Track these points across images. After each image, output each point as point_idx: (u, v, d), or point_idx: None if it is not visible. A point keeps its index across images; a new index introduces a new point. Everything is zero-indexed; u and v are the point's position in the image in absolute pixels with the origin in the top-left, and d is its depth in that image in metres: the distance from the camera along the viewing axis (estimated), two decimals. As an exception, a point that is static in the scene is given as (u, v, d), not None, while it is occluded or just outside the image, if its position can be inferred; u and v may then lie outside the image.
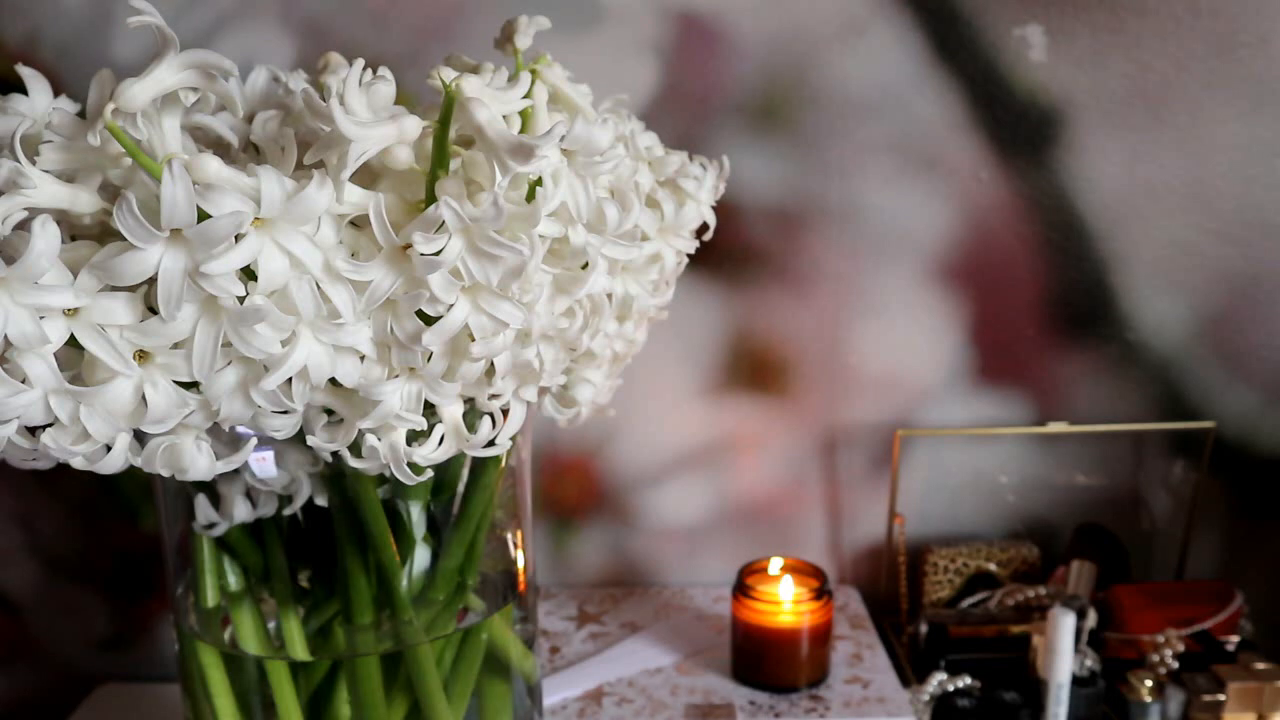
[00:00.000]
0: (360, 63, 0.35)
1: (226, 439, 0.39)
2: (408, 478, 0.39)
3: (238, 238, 0.31)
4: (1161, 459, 0.82)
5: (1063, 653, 0.66)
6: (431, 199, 0.35)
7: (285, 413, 0.35)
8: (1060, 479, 0.82)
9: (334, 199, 0.33)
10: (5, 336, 0.30)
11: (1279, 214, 0.76)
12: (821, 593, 0.69)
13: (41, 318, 0.30)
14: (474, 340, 0.36)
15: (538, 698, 0.55)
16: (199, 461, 0.36)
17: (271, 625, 0.48)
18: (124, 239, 0.30)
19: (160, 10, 0.33)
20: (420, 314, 0.35)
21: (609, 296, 0.43)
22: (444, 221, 0.33)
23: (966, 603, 0.79)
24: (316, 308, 0.33)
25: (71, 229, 0.35)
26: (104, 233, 0.35)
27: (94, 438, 0.32)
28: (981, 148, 0.75)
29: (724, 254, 0.76)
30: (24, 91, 0.35)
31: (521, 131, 0.38)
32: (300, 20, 0.72)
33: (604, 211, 0.39)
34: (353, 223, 0.35)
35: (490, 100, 0.35)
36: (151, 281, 0.31)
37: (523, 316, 0.36)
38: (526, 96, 0.37)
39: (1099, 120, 0.74)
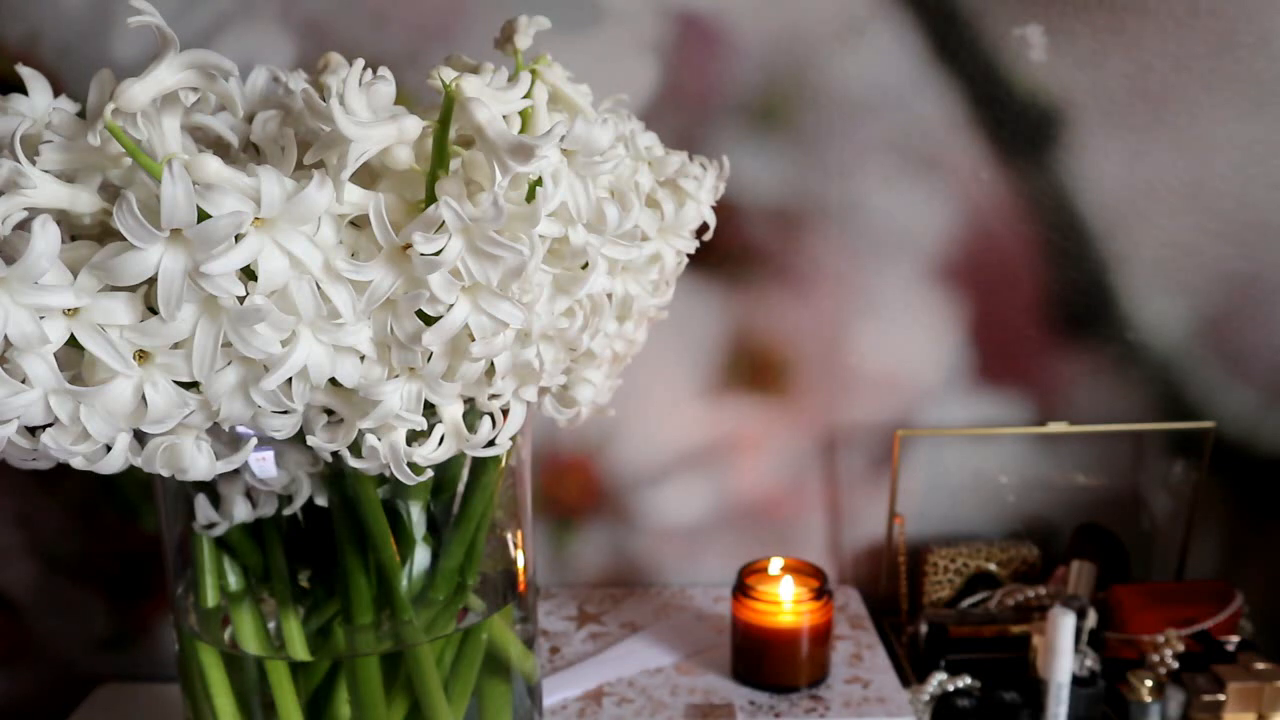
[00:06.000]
0: (360, 63, 0.35)
1: (226, 439, 0.39)
2: (408, 478, 0.39)
3: (238, 238, 0.31)
4: (1161, 459, 0.82)
5: (1063, 653, 0.66)
6: (431, 199, 0.35)
7: (285, 413, 0.35)
8: (1060, 479, 0.82)
9: (334, 199, 0.33)
10: (5, 336, 0.29)
11: (1279, 214, 0.76)
12: (821, 593, 0.69)
13: (41, 318, 0.30)
14: (474, 340, 0.36)
15: (538, 698, 0.55)
16: (199, 461, 0.36)
17: (271, 625, 0.48)
18: (124, 239, 0.30)
19: (160, 10, 0.33)
20: (420, 314, 0.35)
21: (609, 296, 0.43)
22: (444, 221, 0.33)
23: (966, 603, 0.79)
24: (316, 308, 0.33)
25: (71, 229, 0.35)
26: (104, 233, 0.35)
27: (94, 438, 0.32)
28: (981, 148, 0.75)
29: (724, 254, 0.76)
30: (24, 91, 0.35)
31: (521, 131, 0.38)
32: (300, 20, 0.72)
33: (604, 211, 0.39)
34: (353, 223, 0.35)
35: (490, 100, 0.35)
36: (151, 281, 0.31)
37: (523, 316, 0.36)
38: (526, 96, 0.37)
39: (1099, 120, 0.74)
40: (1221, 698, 0.67)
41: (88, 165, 0.34)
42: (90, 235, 0.34)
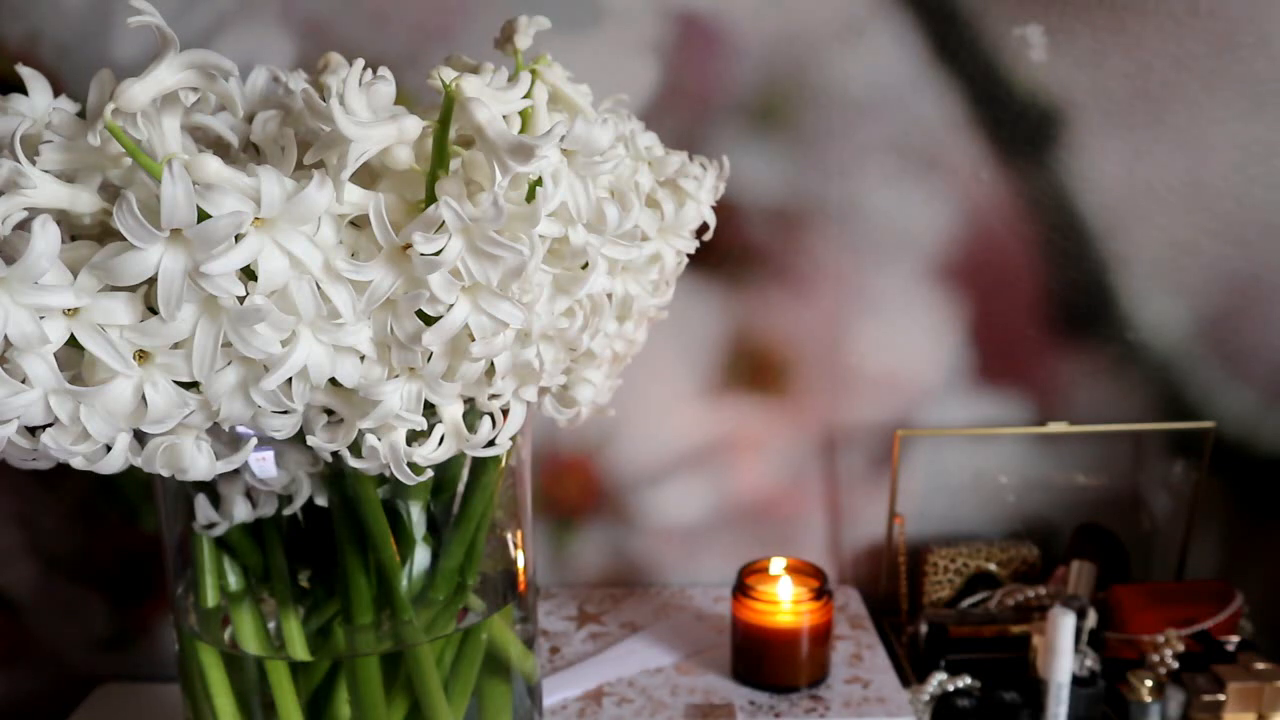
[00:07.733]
0: (360, 63, 0.35)
1: (226, 439, 0.39)
2: (408, 478, 0.39)
3: (238, 238, 0.31)
4: (1161, 459, 0.82)
5: (1063, 653, 0.66)
6: (431, 199, 0.35)
7: (285, 413, 0.35)
8: (1060, 479, 0.82)
9: (334, 199, 0.33)
10: (5, 336, 0.29)
11: (1279, 214, 0.76)
12: (821, 593, 0.69)
13: (41, 318, 0.30)
14: (474, 340, 0.36)
15: (538, 698, 0.55)
16: (199, 461, 0.36)
17: (271, 625, 0.48)
18: (124, 239, 0.30)
19: (160, 10, 0.33)
20: (420, 314, 0.35)
21: (609, 296, 0.43)
22: (444, 221, 0.33)
23: (966, 603, 0.79)
24: (316, 308, 0.33)
25: (71, 229, 0.35)
26: (104, 233, 0.35)
27: (94, 438, 0.32)
28: (981, 148, 0.75)
29: (724, 254, 0.76)
30: (24, 91, 0.35)
31: (521, 131, 0.38)
32: (300, 20, 0.72)
33: (604, 211, 0.39)
34: (353, 223, 0.35)
35: (490, 100, 0.35)
36: (151, 281, 0.31)
37: (523, 316, 0.36)
38: (526, 96, 0.37)
39: (1099, 120, 0.74)
40: (1221, 698, 0.67)
41: (88, 165, 0.34)
42: (90, 235, 0.34)
